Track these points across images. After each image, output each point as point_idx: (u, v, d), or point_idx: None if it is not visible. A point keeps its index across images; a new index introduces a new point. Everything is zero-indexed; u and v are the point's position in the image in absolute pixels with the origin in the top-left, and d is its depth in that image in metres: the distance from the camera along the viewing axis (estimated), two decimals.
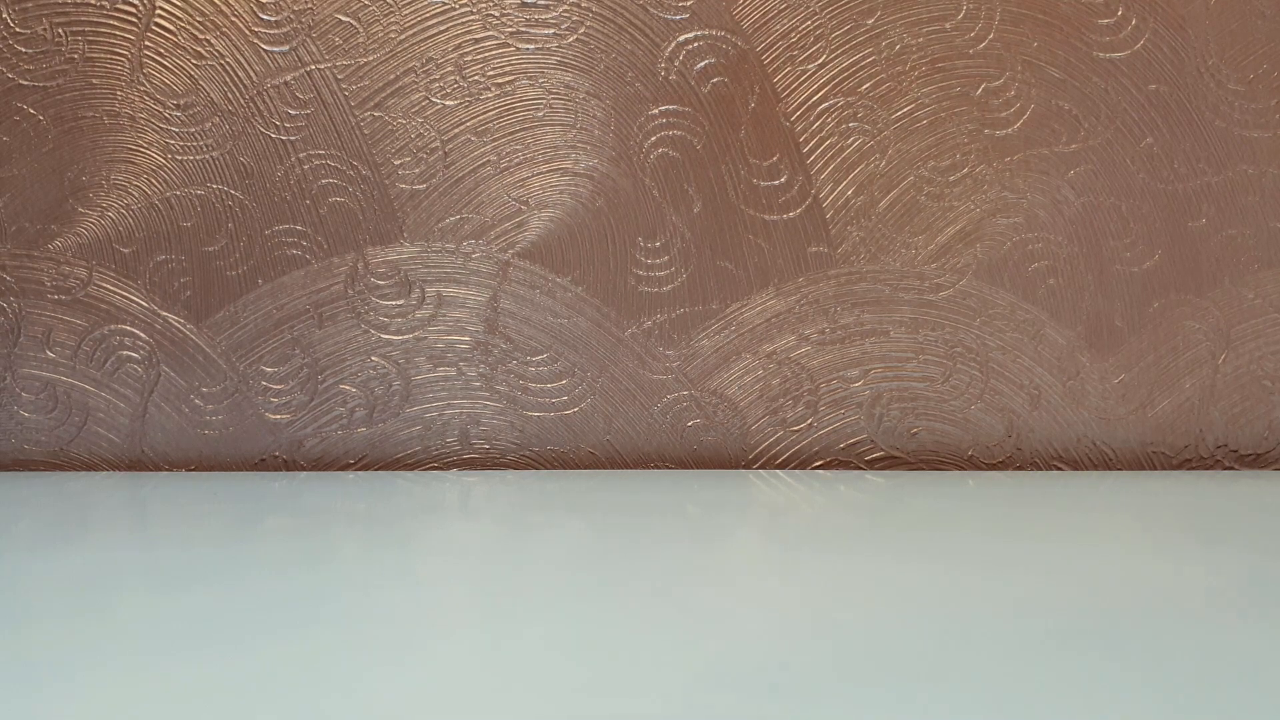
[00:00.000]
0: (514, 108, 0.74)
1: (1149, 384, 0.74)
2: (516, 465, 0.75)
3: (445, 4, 0.74)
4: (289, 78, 0.74)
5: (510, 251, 0.75)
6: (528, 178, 0.74)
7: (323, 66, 0.74)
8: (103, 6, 0.74)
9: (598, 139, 0.74)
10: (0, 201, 0.75)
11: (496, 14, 0.74)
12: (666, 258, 0.74)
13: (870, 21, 0.73)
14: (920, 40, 0.73)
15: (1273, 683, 0.37)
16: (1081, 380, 0.74)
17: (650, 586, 0.49)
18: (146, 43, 0.74)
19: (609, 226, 0.75)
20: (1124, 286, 0.74)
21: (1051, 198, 0.74)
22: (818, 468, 0.75)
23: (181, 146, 0.74)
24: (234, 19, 0.74)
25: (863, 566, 0.52)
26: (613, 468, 0.75)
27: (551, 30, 0.74)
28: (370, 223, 0.74)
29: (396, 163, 0.74)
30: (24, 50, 0.74)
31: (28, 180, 0.75)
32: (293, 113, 0.74)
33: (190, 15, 0.74)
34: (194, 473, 0.75)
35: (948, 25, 0.73)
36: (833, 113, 0.74)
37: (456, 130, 0.74)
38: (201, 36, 0.74)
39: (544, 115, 0.74)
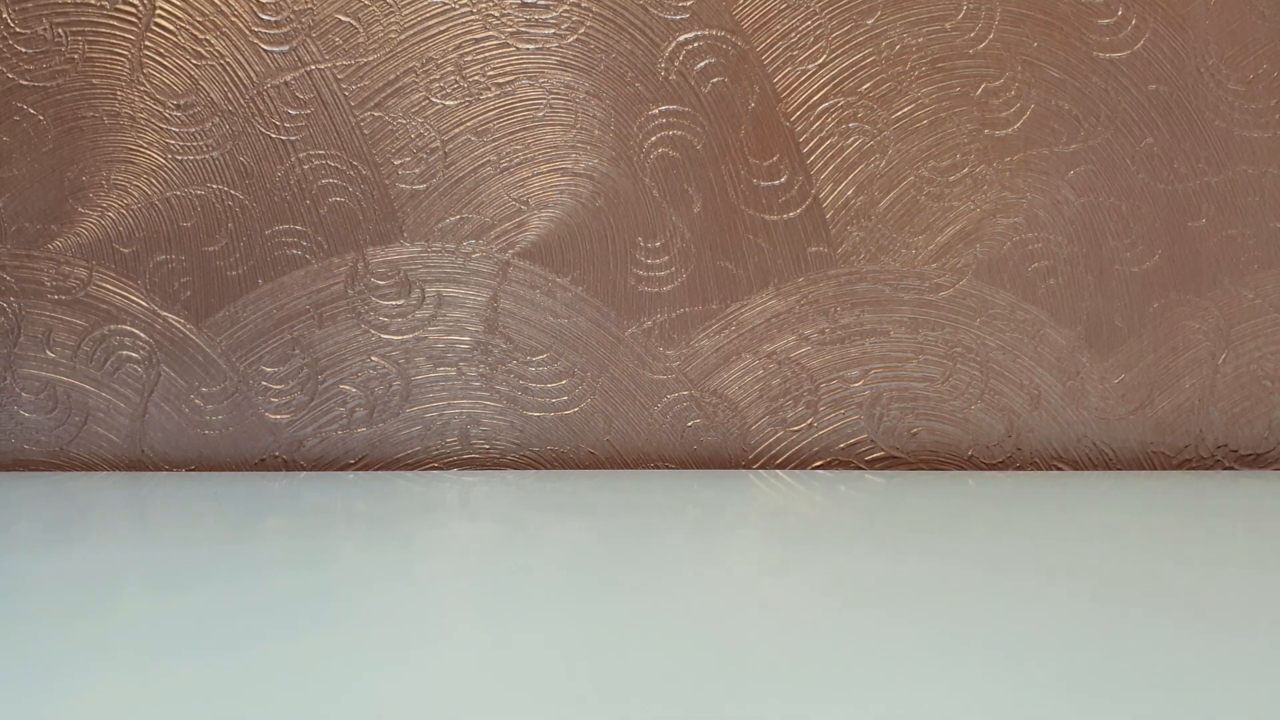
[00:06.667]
0: (514, 108, 0.74)
1: (1149, 384, 0.74)
2: (516, 465, 0.75)
3: (445, 4, 0.74)
4: (289, 78, 0.74)
5: (510, 251, 0.75)
6: (528, 178, 0.74)
7: (323, 66, 0.74)
8: (103, 6, 0.74)
9: (598, 139, 0.74)
10: (0, 201, 0.75)
11: (496, 14, 0.74)
12: (666, 258, 0.74)
13: (870, 21, 0.73)
14: (920, 40, 0.73)
15: (1273, 683, 0.37)
16: (1081, 380, 0.74)
17: (650, 587, 0.49)
18: (146, 43, 0.74)
19: (609, 226, 0.75)
20: (1124, 286, 0.74)
21: (1051, 198, 0.74)
22: (818, 468, 0.75)
23: (181, 146, 0.74)
24: (234, 19, 0.74)
25: (863, 566, 0.52)
26: (613, 468, 0.75)
27: (551, 30, 0.74)
28: (370, 223, 0.74)
29: (396, 163, 0.74)
30: (24, 50, 0.74)
31: (28, 180, 0.75)
32: (293, 113, 0.74)
33: (190, 15, 0.74)
34: (194, 473, 0.75)
35: (948, 25, 0.73)
36: (833, 113, 0.74)
37: (456, 130, 0.74)
38: (201, 36, 0.74)
39: (544, 115, 0.74)
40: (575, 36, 0.74)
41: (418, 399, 0.75)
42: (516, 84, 0.74)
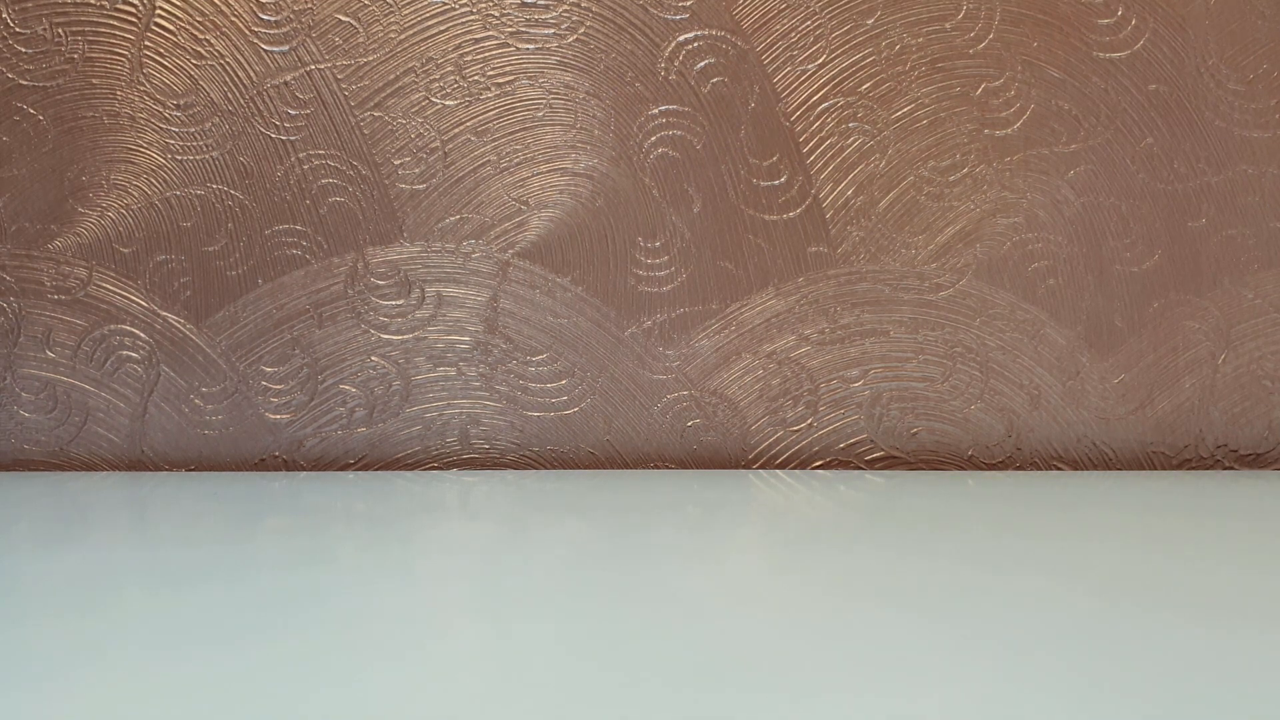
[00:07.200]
0: (514, 108, 0.74)
1: (1149, 384, 0.74)
2: (516, 465, 0.75)
3: (445, 4, 0.74)
4: (289, 78, 0.74)
5: (510, 251, 0.75)
6: (528, 178, 0.74)
7: (323, 66, 0.74)
8: (103, 6, 0.74)
9: (598, 139, 0.74)
10: (0, 201, 0.75)
11: (496, 14, 0.74)
12: (666, 258, 0.74)
13: (870, 21, 0.73)
14: (920, 40, 0.73)
15: (1272, 683, 0.37)
16: (1081, 380, 0.74)
17: (650, 586, 0.49)
18: (146, 43, 0.74)
19: (609, 226, 0.75)
20: (1124, 286, 0.74)
21: (1051, 198, 0.74)
22: (818, 468, 0.75)
23: (181, 146, 0.74)
24: (234, 19, 0.74)
25: (863, 566, 0.52)
26: (613, 468, 0.75)
27: (551, 30, 0.74)
28: (370, 223, 0.74)
29: (396, 163, 0.74)
30: (24, 50, 0.74)
31: (28, 180, 0.75)
32: (293, 113, 0.74)
33: (190, 15, 0.74)
34: (194, 473, 0.75)
35: (948, 25, 0.73)
36: (833, 113, 0.74)
37: (456, 130, 0.74)
38: (201, 36, 0.74)
39: (544, 115, 0.74)
40: (575, 36, 0.74)
41: (418, 399, 0.75)
42: (516, 84, 0.74)
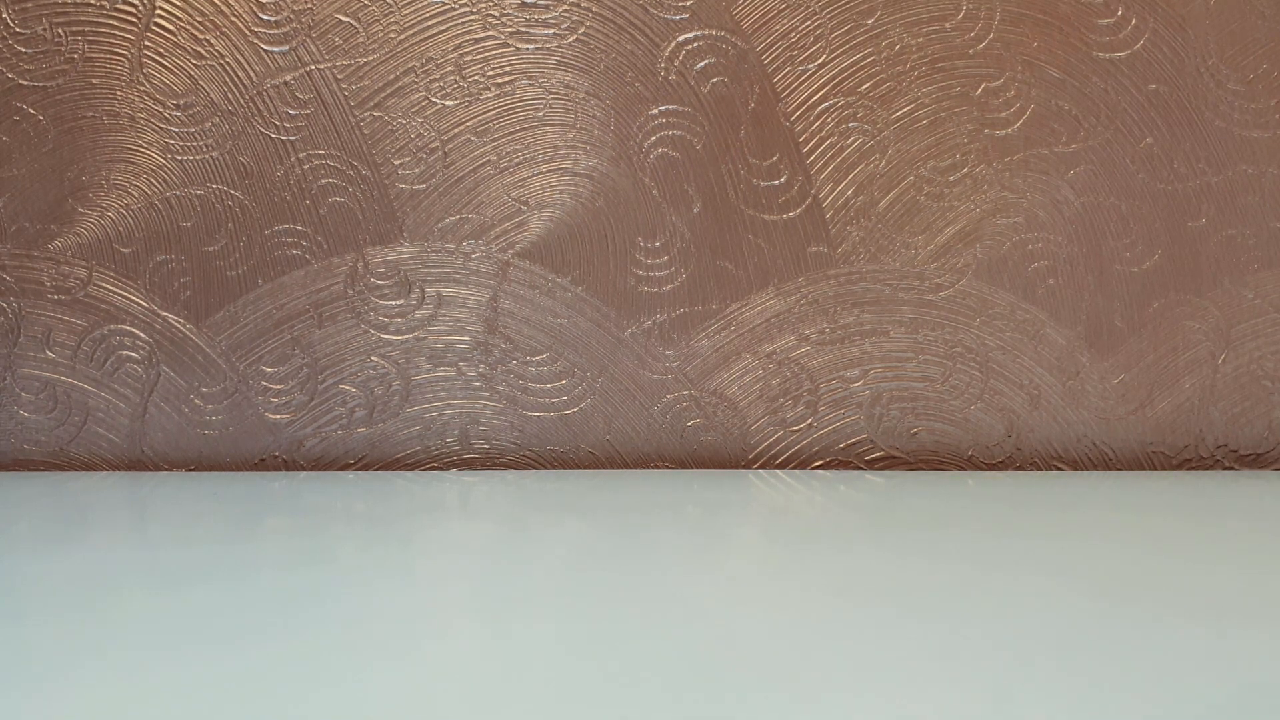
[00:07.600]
0: (514, 108, 0.74)
1: (1149, 384, 0.74)
2: (516, 465, 0.75)
3: (445, 4, 0.74)
4: (289, 78, 0.74)
5: (510, 251, 0.75)
6: (528, 178, 0.74)
7: (323, 66, 0.74)
8: (103, 6, 0.74)
9: (598, 139, 0.74)
10: (0, 201, 0.75)
11: (496, 14, 0.74)
12: (666, 258, 0.74)
13: (870, 21, 0.73)
14: (920, 40, 0.73)
15: (1272, 683, 0.37)
16: (1081, 380, 0.74)
17: (650, 586, 0.49)
18: (146, 43, 0.74)
19: (609, 226, 0.75)
20: (1124, 286, 0.74)
21: (1051, 198, 0.74)
22: (818, 468, 0.75)
23: (181, 146, 0.74)
24: (234, 19, 0.74)
25: (863, 566, 0.52)
26: (613, 468, 0.75)
27: (551, 30, 0.74)
28: (370, 223, 0.74)
29: (396, 163, 0.74)
30: (24, 50, 0.74)
31: (28, 180, 0.75)
32: (293, 113, 0.74)
33: (190, 15, 0.74)
34: (194, 473, 0.75)
35: (948, 25, 0.73)
36: (833, 113, 0.74)
37: (456, 130, 0.74)
38: (201, 36, 0.74)
39: (544, 115, 0.74)
40: (575, 36, 0.74)
41: (417, 399, 0.75)
42: (516, 84, 0.74)
